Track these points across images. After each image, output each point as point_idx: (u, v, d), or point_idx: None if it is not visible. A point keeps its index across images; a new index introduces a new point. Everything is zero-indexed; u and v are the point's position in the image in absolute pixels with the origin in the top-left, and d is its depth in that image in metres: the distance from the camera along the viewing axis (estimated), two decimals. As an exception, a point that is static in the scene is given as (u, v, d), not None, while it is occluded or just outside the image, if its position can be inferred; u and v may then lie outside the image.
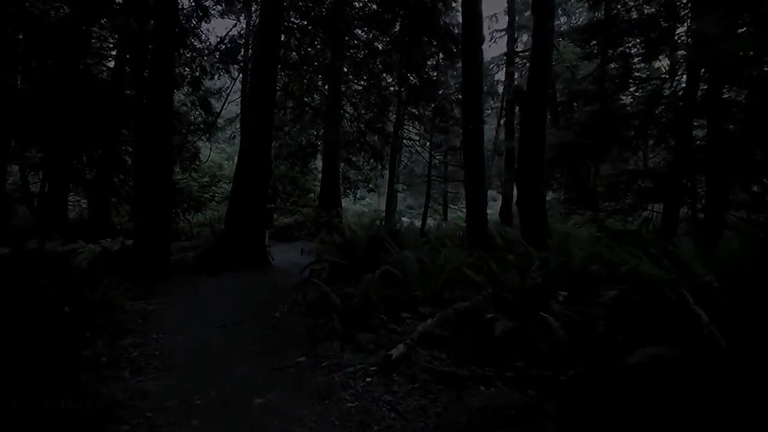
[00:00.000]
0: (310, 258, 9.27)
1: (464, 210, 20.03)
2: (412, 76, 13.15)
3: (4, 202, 13.35)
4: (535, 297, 3.98)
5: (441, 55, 14.61)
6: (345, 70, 16.19)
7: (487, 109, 18.34)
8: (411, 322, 4.42)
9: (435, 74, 14.88)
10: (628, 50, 8.88)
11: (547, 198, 18.74)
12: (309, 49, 16.15)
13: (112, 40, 14.15)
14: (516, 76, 13.54)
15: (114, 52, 14.08)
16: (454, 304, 5.09)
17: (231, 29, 14.24)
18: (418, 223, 17.76)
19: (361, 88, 15.71)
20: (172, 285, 7.15)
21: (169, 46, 8.78)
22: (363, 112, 15.84)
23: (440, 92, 12.69)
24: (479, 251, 6.69)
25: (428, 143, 13.80)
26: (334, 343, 4.08)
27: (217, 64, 15.91)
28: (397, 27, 14.75)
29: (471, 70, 7.17)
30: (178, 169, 16.58)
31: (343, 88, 16.51)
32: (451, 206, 20.22)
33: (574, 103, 16.57)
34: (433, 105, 12.59)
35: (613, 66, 9.71)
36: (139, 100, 11.69)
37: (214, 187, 18.75)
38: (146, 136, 8.57)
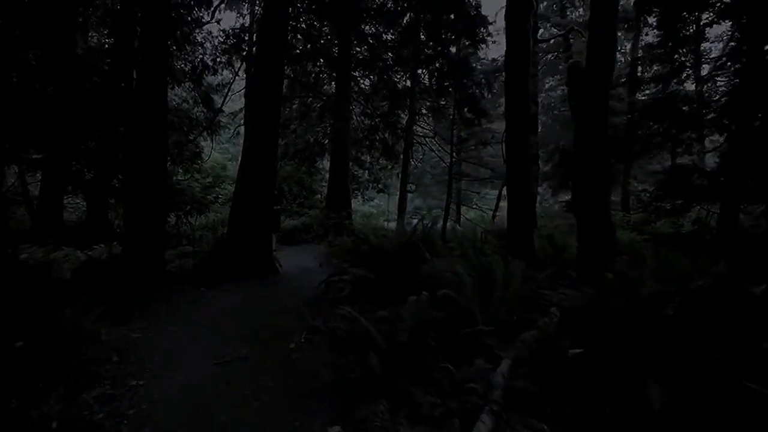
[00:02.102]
0: (325, 267, 8.02)
1: (483, 210, 18.69)
2: (433, 65, 11.69)
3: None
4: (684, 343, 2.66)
5: (453, 48, 13.36)
6: (353, 64, 14.85)
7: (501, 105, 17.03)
8: (480, 366, 3.10)
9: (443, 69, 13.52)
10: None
11: (562, 199, 17.48)
12: (317, 45, 14.86)
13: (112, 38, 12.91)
14: (540, 67, 12.18)
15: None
16: (521, 330, 3.84)
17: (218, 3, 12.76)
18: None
19: (372, 81, 14.33)
20: (165, 301, 5.83)
21: (161, 29, 7.47)
22: (374, 107, 14.47)
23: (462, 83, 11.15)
24: (552, 266, 5.42)
25: (450, 138, 12.36)
26: (379, 403, 2.78)
27: (219, 58, 14.64)
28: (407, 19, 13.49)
29: (518, 43, 5.89)
30: (179, 170, 15.31)
31: (351, 84, 15.18)
32: (463, 206, 18.90)
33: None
34: (459, 94, 11.16)
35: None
36: (129, 92, 10.42)
37: (217, 188, 17.40)
38: (138, 131, 7.27)
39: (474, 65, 12.03)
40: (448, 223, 19.29)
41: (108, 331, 4.43)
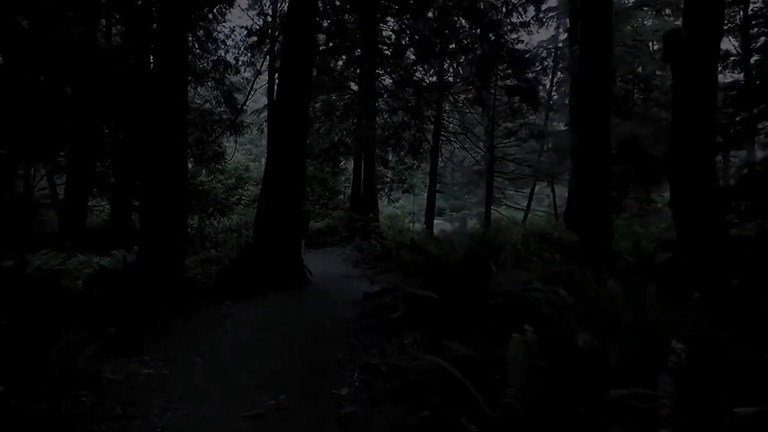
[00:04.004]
0: (362, 274, 7.01)
1: (515, 209, 17.23)
2: (472, 53, 10.37)
3: (17, 208, 11.43)
4: None
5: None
6: (378, 59, 13.77)
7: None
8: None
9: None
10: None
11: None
12: (341, 40, 13.82)
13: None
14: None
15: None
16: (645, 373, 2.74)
17: None
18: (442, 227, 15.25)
19: (400, 75, 13.19)
20: (184, 320, 4.87)
21: (178, 18, 6.53)
22: (401, 104, 13.34)
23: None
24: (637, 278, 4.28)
25: (490, 132, 11.03)
26: None
27: (241, 57, 13.75)
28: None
29: (597, 9, 4.74)
30: (203, 171, 14.53)
31: (377, 80, 14.11)
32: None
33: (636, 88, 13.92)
34: (512, 81, 9.85)
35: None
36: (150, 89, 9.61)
37: (240, 190, 16.56)
38: (156, 127, 6.33)
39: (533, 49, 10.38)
40: (472, 224, 18.06)
41: (114, 367, 3.46)
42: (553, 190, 14.23)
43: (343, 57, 14.82)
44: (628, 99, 13.77)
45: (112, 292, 5.43)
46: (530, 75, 11.93)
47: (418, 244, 5.14)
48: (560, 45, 14.95)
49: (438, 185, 17.90)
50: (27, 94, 9.57)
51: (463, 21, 12.13)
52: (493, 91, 10.64)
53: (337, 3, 13.06)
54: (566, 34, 15.39)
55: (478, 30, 9.94)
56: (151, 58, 10.14)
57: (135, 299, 4.98)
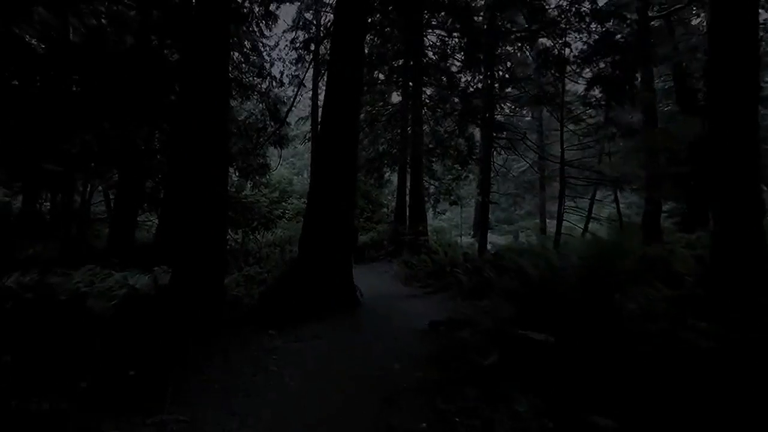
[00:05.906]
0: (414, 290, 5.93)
1: (581, 214, 15.37)
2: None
3: (67, 223, 11.26)
4: None
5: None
6: (424, 65, 12.86)
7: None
8: None
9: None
10: None
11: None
12: (386, 48, 13.05)
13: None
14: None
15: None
16: None
17: None
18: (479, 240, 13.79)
19: (445, 80, 12.16)
20: (220, 357, 3.93)
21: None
22: (447, 111, 12.29)
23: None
24: None
25: (560, 132, 9.57)
26: None
27: (287, 70, 13.25)
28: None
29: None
30: (249, 183, 14.07)
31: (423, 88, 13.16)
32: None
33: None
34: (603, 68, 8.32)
35: None
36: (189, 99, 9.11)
37: (284, 203, 15.97)
38: (193, 140, 5.56)
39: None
40: (524, 237, 16.52)
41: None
42: (616, 198, 12.55)
43: (386, 67, 14.06)
44: (696, 93, 12.24)
45: (140, 320, 4.64)
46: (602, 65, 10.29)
47: (515, 265, 3.94)
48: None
49: (496, 194, 16.49)
50: (79, 110, 9.33)
51: (508, 23, 11.06)
52: (560, 87, 9.21)
53: (379, 15, 12.33)
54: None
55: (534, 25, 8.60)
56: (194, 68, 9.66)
57: (163, 331, 4.12)
